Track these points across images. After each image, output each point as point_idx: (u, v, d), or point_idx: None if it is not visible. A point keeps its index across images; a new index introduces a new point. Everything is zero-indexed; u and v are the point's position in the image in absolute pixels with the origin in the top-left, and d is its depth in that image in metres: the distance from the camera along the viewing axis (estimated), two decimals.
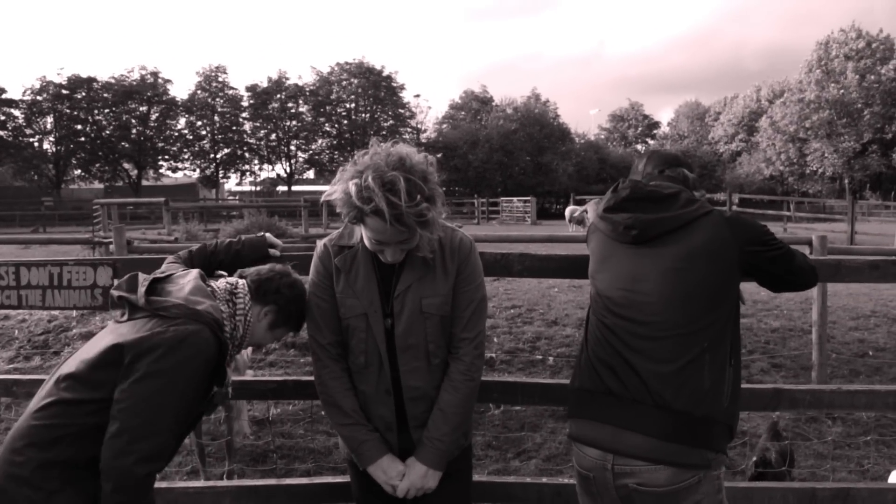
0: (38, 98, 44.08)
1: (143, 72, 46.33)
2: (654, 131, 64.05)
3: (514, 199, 33.16)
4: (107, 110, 44.97)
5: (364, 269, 2.02)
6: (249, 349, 4.51)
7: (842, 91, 41.04)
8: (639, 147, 61.60)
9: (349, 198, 1.79)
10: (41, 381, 2.80)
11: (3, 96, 43.62)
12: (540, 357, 5.48)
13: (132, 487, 1.66)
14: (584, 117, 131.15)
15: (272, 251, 2.40)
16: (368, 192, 1.75)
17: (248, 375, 4.70)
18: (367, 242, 1.94)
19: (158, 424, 1.69)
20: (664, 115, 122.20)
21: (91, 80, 44.75)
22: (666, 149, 2.33)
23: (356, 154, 1.87)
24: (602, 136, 61.52)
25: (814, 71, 42.97)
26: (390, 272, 2.01)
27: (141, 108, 46.05)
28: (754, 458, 3.59)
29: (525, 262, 2.60)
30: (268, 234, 2.45)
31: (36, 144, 45.50)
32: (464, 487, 2.20)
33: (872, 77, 41.06)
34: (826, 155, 42.66)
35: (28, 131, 44.94)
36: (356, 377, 2.09)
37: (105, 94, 44.93)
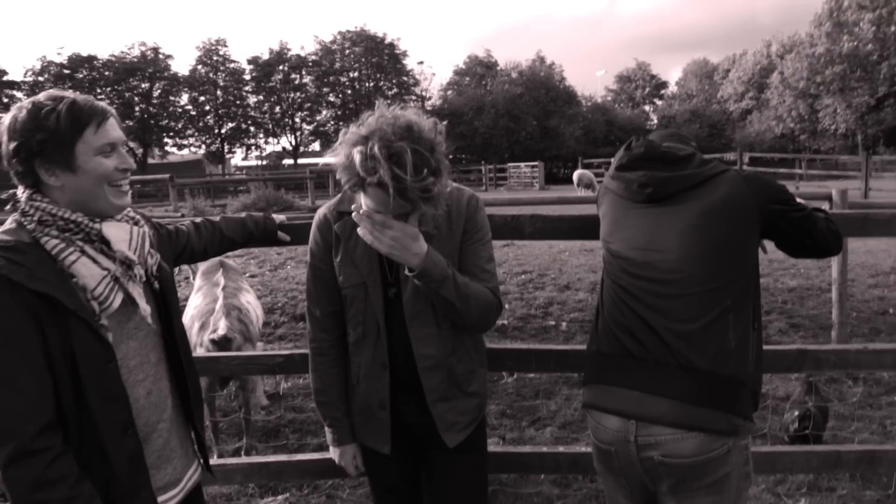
0: (40, 79, 43.81)
1: (144, 48, 45.97)
2: (662, 91, 63.19)
3: (522, 164, 32.87)
4: (109, 89, 44.70)
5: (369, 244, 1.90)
6: (260, 321, 4.45)
7: (856, 43, 40.07)
8: (646, 108, 60.85)
9: (352, 165, 1.67)
10: None
11: (5, 78, 43.45)
12: (553, 323, 5.39)
13: (5, 483, 1.37)
14: (591, 79, 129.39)
15: (282, 236, 2.40)
16: (373, 162, 1.62)
17: (259, 348, 4.66)
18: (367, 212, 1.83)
19: None
20: (674, 75, 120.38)
21: (92, 58, 44.43)
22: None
23: (362, 115, 1.74)
24: (609, 98, 60.74)
25: (824, 24, 41.95)
26: None
27: (143, 86, 45.77)
28: (796, 413, 3.49)
29: (536, 223, 2.50)
30: (277, 218, 2.41)
31: None
32: (480, 460, 2.12)
33: (893, 28, 39.97)
34: (839, 111, 41.86)
35: None
36: (353, 349, 2.02)
37: (106, 73, 44.65)
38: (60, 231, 1.49)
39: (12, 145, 1.46)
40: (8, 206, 1.56)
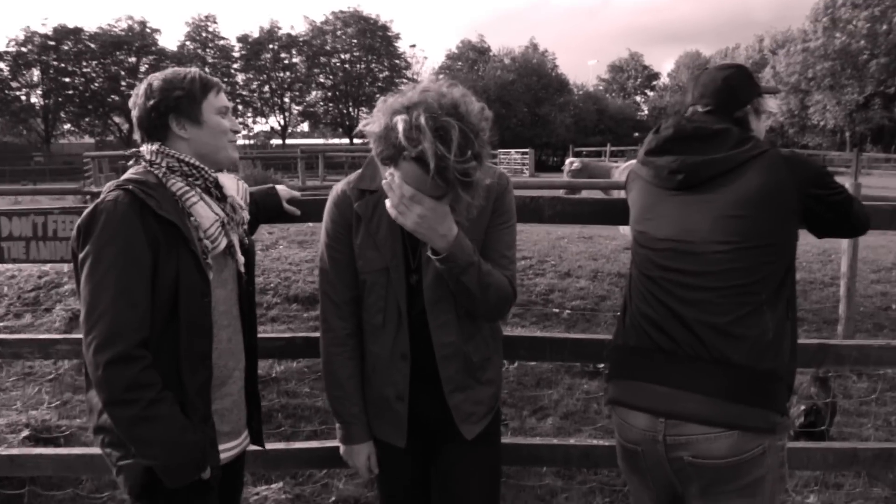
0: (24, 49, 43.10)
1: (131, 21, 45.27)
2: (654, 82, 63.34)
3: (512, 150, 32.81)
4: (95, 62, 44.09)
5: (388, 217, 1.74)
6: None
7: (847, 40, 40.30)
8: (638, 98, 60.97)
9: (392, 134, 1.52)
10: (29, 341, 2.65)
11: None
12: (555, 310, 5.31)
13: (103, 380, 1.54)
14: (583, 68, 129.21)
15: (289, 209, 2.24)
16: (418, 133, 1.47)
17: None
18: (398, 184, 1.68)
19: (101, 306, 1.56)
20: (667, 66, 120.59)
21: (78, 30, 43.71)
22: (726, 73, 1.96)
23: (407, 86, 1.60)
24: (601, 88, 60.75)
25: (820, 19, 42.11)
26: None
27: (130, 60, 45.19)
28: (802, 408, 3.44)
29: (557, 206, 2.37)
30: (281, 188, 2.27)
31: (23, 98, 44.63)
32: (494, 451, 2.03)
33: (885, 27, 40.22)
34: (828, 107, 42.20)
35: (14, 84, 44.05)
36: (370, 338, 1.89)
37: (92, 45, 43.90)
38: (184, 176, 1.71)
39: (151, 102, 1.71)
40: (131, 162, 1.79)
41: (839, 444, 2.98)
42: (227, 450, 1.83)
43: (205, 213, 1.72)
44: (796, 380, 3.95)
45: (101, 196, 1.64)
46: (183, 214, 1.69)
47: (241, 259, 1.85)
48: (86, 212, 1.62)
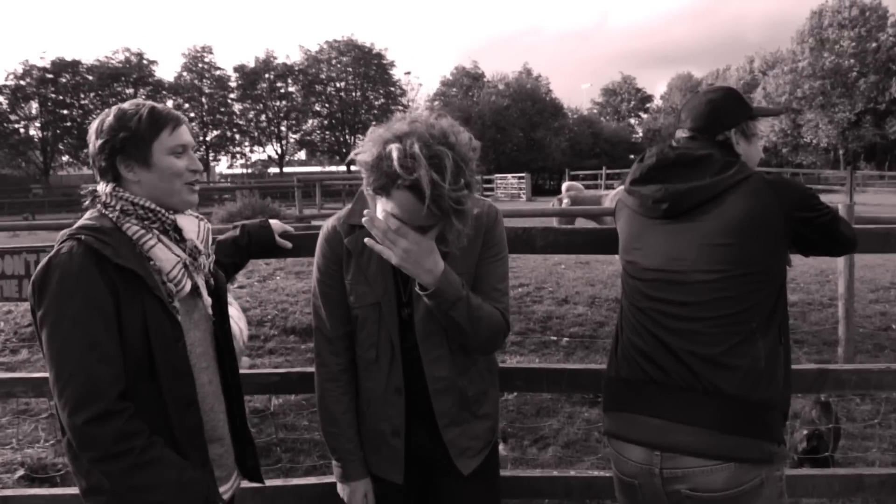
0: (22, 83, 43.37)
1: (128, 53, 45.71)
2: (647, 105, 63.84)
3: (509, 175, 32.95)
4: (93, 94, 44.39)
5: (378, 252, 1.75)
6: (245, 334, 4.29)
7: (835, 60, 40.78)
8: (632, 121, 61.38)
9: (385, 163, 1.52)
10: (23, 380, 2.63)
11: None
12: (553, 338, 5.28)
13: (85, 442, 1.48)
14: (576, 92, 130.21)
15: (281, 242, 2.25)
16: (412, 161, 1.48)
17: (245, 363, 4.48)
18: (382, 218, 1.68)
19: (69, 365, 1.48)
20: (659, 89, 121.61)
21: (76, 63, 44.08)
22: (711, 96, 1.91)
23: (394, 118, 1.61)
24: (595, 111, 61.21)
25: (807, 40, 42.66)
26: None
27: (127, 91, 45.49)
28: (804, 433, 3.39)
29: (549, 236, 2.38)
30: (274, 223, 2.27)
31: (22, 131, 44.84)
32: (493, 486, 2.00)
33: (873, 45, 40.71)
34: (820, 126, 42.55)
35: (13, 117, 44.25)
36: (364, 373, 1.87)
37: (90, 77, 44.26)
38: (140, 220, 1.64)
39: (99, 142, 1.64)
40: (87, 202, 1.70)
41: (844, 470, 2.94)
42: (224, 492, 1.80)
43: (164, 255, 1.65)
44: (797, 404, 3.94)
45: (55, 248, 1.56)
46: (142, 259, 1.62)
47: (209, 301, 1.79)
48: (39, 266, 1.54)
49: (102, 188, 1.67)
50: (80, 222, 1.63)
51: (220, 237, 2.16)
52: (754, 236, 1.67)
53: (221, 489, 1.78)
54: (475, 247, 1.78)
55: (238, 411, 1.89)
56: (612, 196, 6.97)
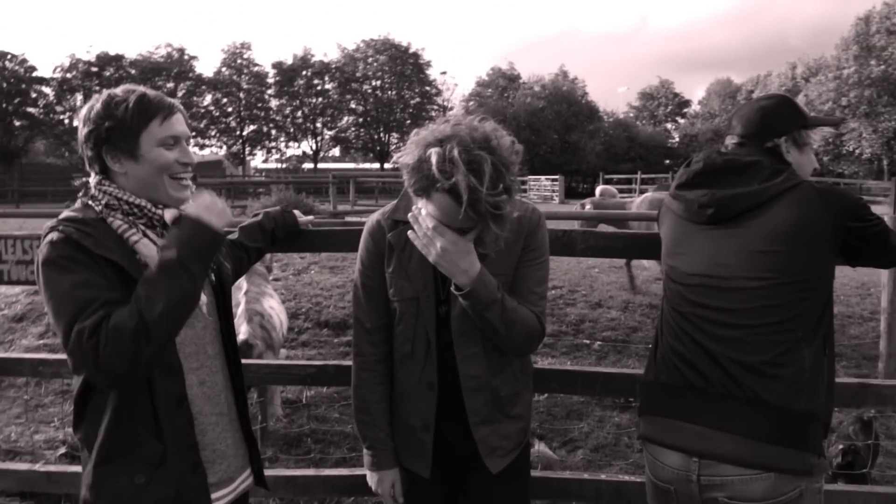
0: (68, 76, 44.63)
1: (170, 49, 46.63)
2: (685, 110, 62.90)
3: (542, 177, 32.76)
4: None
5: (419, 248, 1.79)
6: (285, 326, 4.36)
7: (882, 67, 39.65)
8: (668, 126, 60.58)
9: (425, 166, 1.55)
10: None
11: (35, 74, 44.16)
12: (586, 341, 5.26)
13: (110, 338, 1.38)
14: (612, 95, 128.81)
15: (304, 219, 2.34)
16: (451, 165, 1.51)
17: (282, 355, 4.55)
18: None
19: (64, 298, 1.41)
20: (698, 94, 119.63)
21: (119, 57, 45.17)
22: (763, 102, 1.87)
23: (437, 121, 1.64)
24: (631, 115, 60.55)
25: (851, 47, 41.57)
26: None
27: (168, 85, 46.43)
28: (840, 448, 3.33)
29: (589, 240, 2.37)
30: (301, 217, 2.34)
31: (66, 122, 46.06)
32: (523, 487, 2.00)
33: None
34: (864, 135, 41.40)
35: (59, 108, 45.53)
36: (399, 366, 1.90)
37: (132, 71, 45.28)
38: (125, 215, 1.56)
39: (85, 131, 1.56)
40: (80, 193, 1.62)
41: (882, 488, 2.87)
42: (217, 500, 1.69)
43: (149, 251, 1.54)
44: (835, 418, 3.85)
45: (41, 243, 1.50)
46: (129, 251, 1.53)
47: (204, 299, 1.68)
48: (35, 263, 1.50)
49: (91, 178, 1.60)
50: (64, 213, 1.56)
51: (244, 222, 2.18)
52: (802, 245, 1.64)
53: (217, 494, 1.69)
54: (515, 249, 1.80)
55: (241, 414, 1.82)
56: (637, 202, 6.88)
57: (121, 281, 1.47)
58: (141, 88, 1.59)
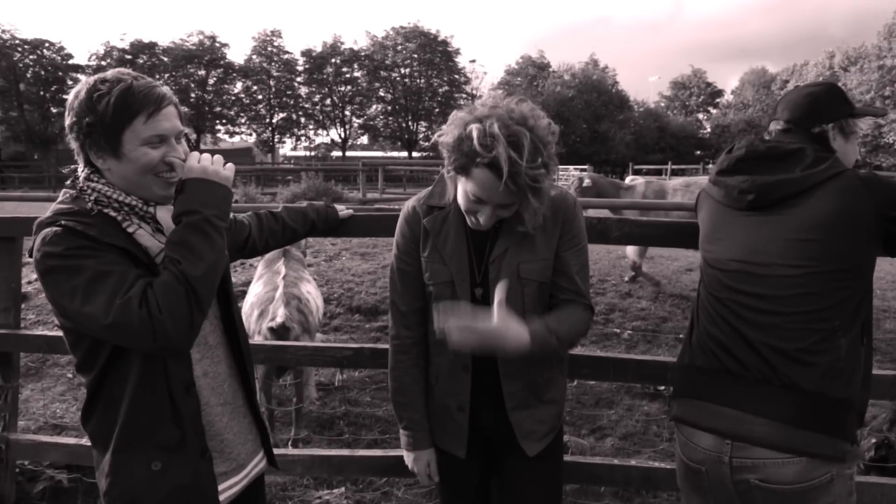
0: (103, 63, 45.28)
1: (202, 36, 47.10)
2: (717, 100, 61.78)
3: (571, 167, 32.49)
4: (167, 75, 45.96)
5: (455, 232, 1.85)
6: (321, 311, 4.44)
7: None
8: (700, 116, 59.60)
9: (466, 142, 1.60)
10: None
11: (71, 62, 45.01)
12: (616, 330, 5.27)
13: (139, 301, 1.35)
14: (643, 84, 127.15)
15: (344, 213, 2.40)
16: (491, 140, 1.56)
17: (319, 338, 4.64)
18: (461, 199, 1.75)
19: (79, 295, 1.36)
20: (731, 83, 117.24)
21: (152, 44, 45.79)
22: (812, 89, 1.85)
23: (475, 102, 1.69)
24: (662, 105, 59.68)
25: (895, 35, 40.38)
26: (484, 235, 1.83)
27: (199, 73, 46.96)
28: (873, 441, 3.31)
29: (624, 227, 2.39)
30: (341, 210, 2.40)
31: None
32: (556, 468, 2.04)
33: None
34: None
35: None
36: (434, 349, 1.95)
37: (165, 59, 45.90)
38: (116, 210, 1.50)
39: (68, 121, 1.47)
40: (68, 182, 1.54)
41: None
42: (228, 487, 1.69)
43: (148, 241, 1.52)
44: (868, 412, 3.81)
45: (35, 241, 1.43)
46: (130, 238, 1.49)
47: None
48: (35, 260, 1.42)
49: (80, 171, 1.53)
50: (55, 207, 1.48)
51: (291, 205, 2.26)
52: (843, 233, 1.63)
53: (227, 483, 1.70)
54: (554, 232, 1.83)
55: (250, 402, 1.81)
56: (674, 185, 6.63)
57: (136, 265, 1.44)
58: (129, 78, 1.46)
